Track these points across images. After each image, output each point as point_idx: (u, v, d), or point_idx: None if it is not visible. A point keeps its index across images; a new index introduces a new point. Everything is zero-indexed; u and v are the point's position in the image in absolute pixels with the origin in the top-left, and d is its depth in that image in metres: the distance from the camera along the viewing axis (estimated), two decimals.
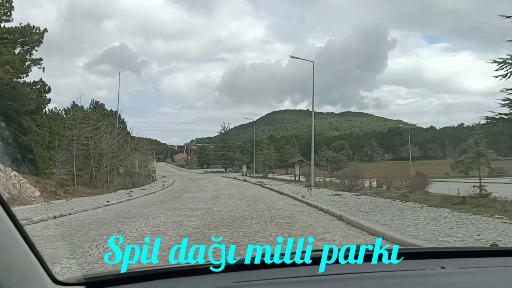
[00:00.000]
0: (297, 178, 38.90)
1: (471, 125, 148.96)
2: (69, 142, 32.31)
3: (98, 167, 37.53)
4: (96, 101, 53.59)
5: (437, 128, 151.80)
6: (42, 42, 25.08)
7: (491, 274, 1.41)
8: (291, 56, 31.19)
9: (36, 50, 25.06)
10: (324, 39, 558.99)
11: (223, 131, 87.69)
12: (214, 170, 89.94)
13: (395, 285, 1.27)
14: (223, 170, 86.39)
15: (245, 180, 43.27)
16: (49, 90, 33.99)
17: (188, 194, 25.66)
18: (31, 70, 29.35)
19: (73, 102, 51.46)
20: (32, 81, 31.84)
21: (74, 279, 1.35)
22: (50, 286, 1.21)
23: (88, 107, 52.26)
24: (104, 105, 54.49)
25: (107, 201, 20.29)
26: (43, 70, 26.83)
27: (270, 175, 51.87)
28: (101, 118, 42.52)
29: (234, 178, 52.79)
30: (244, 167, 66.06)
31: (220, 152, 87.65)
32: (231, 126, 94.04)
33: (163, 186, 38.17)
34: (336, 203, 15.04)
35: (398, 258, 1.50)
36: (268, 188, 28.20)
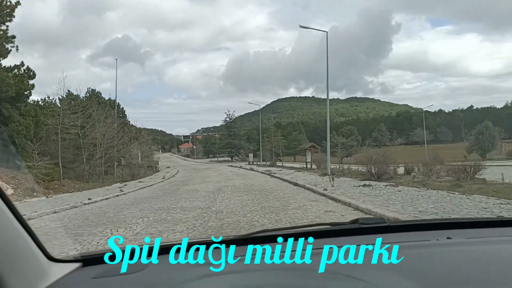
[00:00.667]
0: (308, 166, 35.27)
1: (479, 107, 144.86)
2: (57, 132, 28.81)
3: (92, 159, 34.05)
4: (92, 89, 49.93)
5: (446, 111, 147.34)
6: (14, 16, 21.32)
7: (498, 243, 1.37)
8: (301, 26, 28.59)
9: (7, 26, 21.31)
10: (328, 25, 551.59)
11: (228, 119, 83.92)
12: (220, 159, 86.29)
13: (400, 255, 1.23)
14: (229, 159, 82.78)
15: (252, 169, 39.66)
16: (34, 75, 30.46)
17: (188, 187, 22.18)
18: (10, 51, 25.72)
19: (68, 91, 47.91)
20: (12, 65, 28.23)
21: (71, 256, 1.37)
22: (45, 263, 1.23)
23: (84, 96, 48.68)
24: (101, 94, 50.90)
25: (89, 199, 16.86)
26: (17, 49, 23.07)
27: (278, 163, 48.28)
28: (96, 106, 39.02)
29: (240, 167, 49.24)
30: (251, 155, 62.49)
31: (226, 141, 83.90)
32: (236, 115, 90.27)
33: (163, 178, 34.80)
34: (374, 198, 11.44)
35: (400, 230, 1.50)
36: (278, 177, 24.56)
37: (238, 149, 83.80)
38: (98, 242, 7.72)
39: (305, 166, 37.86)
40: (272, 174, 28.63)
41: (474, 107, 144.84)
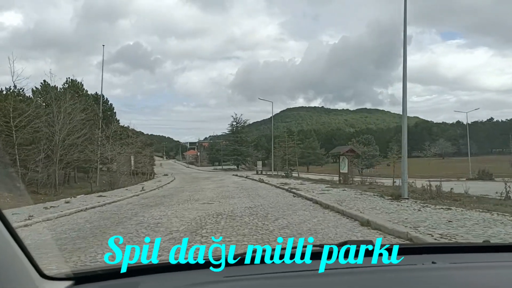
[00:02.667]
0: (335, 177, 25.50)
1: (500, 120, 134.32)
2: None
3: (49, 161, 24.53)
4: (72, 79, 40.56)
5: (464, 123, 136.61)
6: None
7: (482, 269, 1.36)
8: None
9: None
10: (338, 36, 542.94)
11: (234, 123, 74.21)
12: (225, 167, 76.53)
13: (386, 280, 1.24)
14: (235, 167, 73.02)
15: (261, 181, 29.88)
16: None
17: (152, 212, 12.78)
18: None
19: (44, 81, 38.57)
20: None
21: (63, 274, 1.33)
22: (37, 280, 1.19)
23: (61, 87, 39.24)
24: (82, 85, 41.50)
25: None
26: None
27: (294, 173, 38.48)
28: (68, 97, 29.63)
29: (246, 177, 39.52)
30: (259, 163, 52.78)
31: (232, 147, 74.05)
32: (244, 120, 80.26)
33: (142, 189, 25.29)
34: None
35: (387, 253, 1.48)
36: (307, 198, 14.74)
37: (245, 156, 73.95)
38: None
39: (338, 178, 28.29)
40: (292, 189, 18.85)
41: (494, 119, 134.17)
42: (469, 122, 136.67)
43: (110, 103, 48.82)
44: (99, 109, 40.34)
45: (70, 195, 22.18)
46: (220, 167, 79.95)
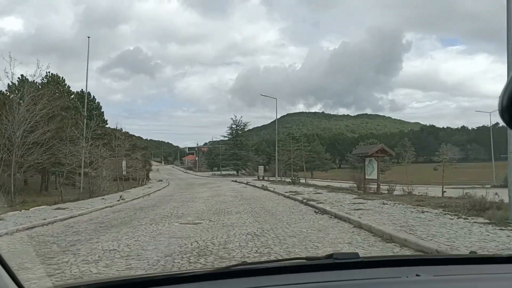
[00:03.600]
0: (354, 184, 20.82)
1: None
2: None
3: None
4: (52, 73, 35.83)
5: (469, 128, 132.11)
6: None
7: (466, 282, 1.36)
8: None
9: None
10: (338, 42, 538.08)
11: (234, 126, 69.26)
12: (224, 172, 71.55)
13: None
14: (235, 172, 68.13)
15: (265, 188, 25.04)
16: None
17: (106, 241, 7.77)
18: None
19: (22, 75, 33.69)
20: None
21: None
22: None
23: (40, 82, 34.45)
24: (64, 80, 36.76)
25: None
26: None
27: (301, 179, 33.70)
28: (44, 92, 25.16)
29: (247, 183, 34.72)
30: (261, 168, 47.92)
31: (231, 151, 69.02)
32: (243, 124, 74.46)
33: (121, 199, 20.47)
34: None
35: (373, 266, 1.50)
36: (346, 219, 9.96)
37: (245, 161, 68.94)
38: None
39: (347, 184, 23.56)
40: (309, 201, 14.04)
41: (500, 124, 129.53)
42: (474, 127, 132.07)
43: (98, 102, 44.18)
44: (84, 107, 35.57)
45: (28, 205, 17.51)
46: (219, 172, 75.00)
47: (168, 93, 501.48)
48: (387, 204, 11.89)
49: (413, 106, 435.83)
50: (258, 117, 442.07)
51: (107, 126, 43.28)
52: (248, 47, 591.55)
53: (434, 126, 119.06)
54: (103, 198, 21.83)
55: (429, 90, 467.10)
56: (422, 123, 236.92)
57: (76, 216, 13.25)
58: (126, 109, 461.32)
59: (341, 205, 12.03)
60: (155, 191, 30.28)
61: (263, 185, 26.55)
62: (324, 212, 11.15)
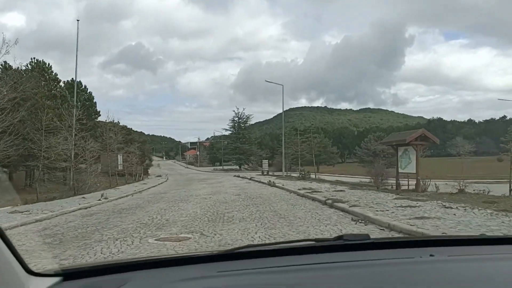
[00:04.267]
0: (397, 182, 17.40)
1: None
2: None
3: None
4: (37, 59, 32.35)
5: (476, 121, 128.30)
6: None
7: (479, 261, 1.35)
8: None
9: None
10: (340, 36, 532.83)
11: (236, 118, 65.57)
12: (226, 167, 68.10)
13: (383, 273, 1.22)
14: (237, 167, 64.68)
15: (272, 184, 21.68)
16: None
17: (48, 259, 3.88)
18: None
19: (5, 62, 30.25)
20: None
21: (52, 271, 1.28)
22: (24, 277, 1.15)
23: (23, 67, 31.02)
24: (51, 67, 33.29)
25: None
26: None
27: (310, 174, 30.24)
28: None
29: (251, 178, 31.35)
30: (265, 162, 44.44)
31: (233, 145, 65.41)
32: (246, 118, 70.10)
33: (102, 197, 17.09)
34: None
35: (388, 247, 1.49)
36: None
37: (248, 155, 65.35)
38: None
39: (361, 179, 20.19)
40: (336, 203, 10.59)
41: (508, 117, 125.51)
42: (482, 120, 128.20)
43: (90, 92, 40.72)
44: (74, 97, 32.18)
45: None
46: (221, 167, 71.58)
47: (170, 89, 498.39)
48: (451, 208, 8.41)
49: (415, 100, 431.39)
50: (260, 112, 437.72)
51: (100, 118, 39.80)
52: (250, 42, 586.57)
53: (442, 119, 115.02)
54: (83, 197, 18.48)
55: (432, 84, 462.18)
56: (425, 117, 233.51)
57: (25, 224, 9.87)
58: (128, 104, 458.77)
59: (386, 209, 8.61)
60: (148, 188, 26.99)
61: (269, 181, 23.09)
62: (368, 220, 7.72)
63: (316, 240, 1.55)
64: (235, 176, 39.77)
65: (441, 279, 1.18)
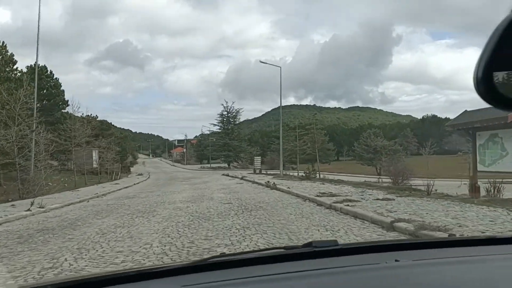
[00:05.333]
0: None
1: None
2: None
3: None
4: None
5: None
6: None
7: (445, 265, 1.32)
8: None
9: None
10: (329, 35, 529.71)
11: (225, 112, 59.96)
12: (214, 165, 62.66)
13: (350, 281, 1.21)
14: (226, 165, 59.34)
15: (272, 186, 16.59)
16: None
17: None
18: None
19: None
20: None
21: None
22: None
23: None
24: (6, 46, 27.66)
25: None
26: None
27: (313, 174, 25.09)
28: None
29: (242, 178, 26.20)
30: (258, 160, 39.31)
31: (222, 141, 59.91)
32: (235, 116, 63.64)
33: (31, 207, 11.44)
34: None
35: (353, 252, 1.47)
36: None
37: (238, 152, 59.97)
38: None
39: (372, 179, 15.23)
40: (423, 232, 5.23)
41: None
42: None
43: (56, 78, 34.97)
44: (35, 82, 26.49)
45: None
46: (209, 165, 66.10)
47: (158, 86, 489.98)
48: None
49: (403, 99, 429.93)
50: (249, 110, 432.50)
51: (69, 109, 34.18)
52: (240, 40, 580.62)
53: (437, 116, 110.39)
54: (13, 205, 13.13)
55: (419, 83, 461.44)
56: (414, 115, 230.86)
57: None
58: (116, 102, 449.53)
59: None
60: (118, 190, 21.78)
61: (268, 182, 17.83)
62: None
63: (285, 247, 1.49)
64: (224, 175, 34.54)
65: (406, 284, 1.19)
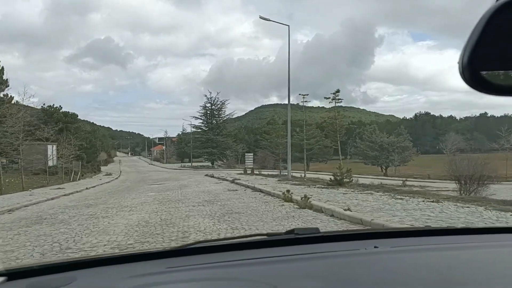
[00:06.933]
0: None
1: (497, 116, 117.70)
2: None
3: None
4: None
5: (457, 118, 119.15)
6: None
7: (422, 251, 1.36)
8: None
9: None
10: (311, 35, 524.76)
11: (208, 105, 52.04)
12: (196, 164, 54.78)
13: (331, 265, 1.22)
14: (209, 164, 51.61)
15: (299, 202, 8.82)
16: None
17: None
18: None
19: None
20: None
21: None
22: None
23: None
24: None
25: None
26: None
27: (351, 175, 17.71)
28: None
29: (234, 181, 18.75)
30: (249, 157, 31.83)
31: (205, 137, 52.05)
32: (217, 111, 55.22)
33: None
34: None
35: (333, 240, 1.49)
36: None
37: (223, 149, 52.07)
38: None
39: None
40: None
41: (489, 114, 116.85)
42: (462, 117, 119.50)
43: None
44: None
45: None
46: (190, 163, 58.16)
47: (140, 85, 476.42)
48: None
49: (384, 100, 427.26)
50: (232, 109, 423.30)
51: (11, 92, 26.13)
52: (223, 39, 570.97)
53: (430, 113, 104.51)
54: None
55: (400, 84, 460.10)
56: (396, 115, 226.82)
57: None
58: (98, 100, 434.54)
59: None
60: (53, 198, 14.23)
61: (286, 193, 10.11)
62: None
63: (268, 234, 1.49)
64: (207, 175, 26.98)
65: (384, 269, 1.20)
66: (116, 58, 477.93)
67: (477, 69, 0.65)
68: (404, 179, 24.90)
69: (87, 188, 20.24)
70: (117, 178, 32.81)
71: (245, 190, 14.09)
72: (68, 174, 31.84)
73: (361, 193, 10.47)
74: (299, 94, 34.85)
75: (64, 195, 16.16)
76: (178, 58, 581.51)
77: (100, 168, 49.23)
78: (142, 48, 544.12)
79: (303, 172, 26.63)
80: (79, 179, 31.19)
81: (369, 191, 10.93)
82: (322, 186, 12.87)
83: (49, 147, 34.72)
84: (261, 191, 12.74)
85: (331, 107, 40.35)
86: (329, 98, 31.26)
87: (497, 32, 0.63)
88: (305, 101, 35.21)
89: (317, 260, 1.26)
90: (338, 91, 31.14)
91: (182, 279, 1.13)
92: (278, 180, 16.98)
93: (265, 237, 1.47)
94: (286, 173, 22.03)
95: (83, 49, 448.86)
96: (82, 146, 45.10)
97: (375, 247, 1.35)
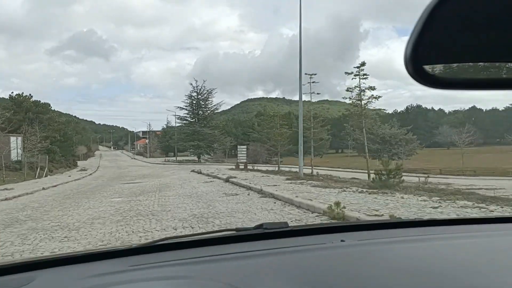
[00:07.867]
0: None
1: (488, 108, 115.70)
2: None
3: None
4: None
5: (446, 111, 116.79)
6: None
7: (389, 244, 1.36)
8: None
9: None
10: (297, 29, 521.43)
11: (194, 94, 47.66)
12: (181, 158, 50.50)
13: (299, 259, 1.21)
14: (195, 158, 47.39)
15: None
16: None
17: None
18: None
19: None
20: None
21: None
22: None
23: None
24: None
25: None
26: None
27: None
28: None
29: (228, 180, 14.65)
30: (242, 150, 27.77)
31: (191, 128, 47.88)
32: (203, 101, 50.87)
33: None
34: None
35: (301, 234, 1.48)
36: None
37: (211, 142, 47.74)
38: None
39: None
40: None
41: (478, 107, 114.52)
42: (451, 111, 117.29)
43: None
44: None
45: None
46: (174, 158, 53.78)
47: (124, 78, 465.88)
48: None
49: (369, 95, 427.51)
50: (217, 103, 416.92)
51: None
52: (208, 32, 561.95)
53: (421, 106, 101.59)
54: None
55: (385, 78, 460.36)
56: (382, 109, 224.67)
57: None
58: (81, 93, 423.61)
59: None
60: None
61: (336, 208, 6.12)
62: None
63: (236, 229, 1.45)
64: (193, 171, 22.88)
65: (350, 263, 1.20)
66: (99, 51, 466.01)
67: (420, 62, 0.65)
68: (424, 175, 21.22)
69: (43, 189, 16.00)
70: (90, 174, 28.50)
71: (248, 194, 10.06)
72: (34, 169, 27.53)
73: (437, 201, 6.51)
74: (305, 74, 30.23)
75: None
76: (163, 51, 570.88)
77: (76, 163, 44.68)
78: (126, 41, 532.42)
79: (308, 168, 22.65)
80: (45, 176, 26.83)
81: (444, 197, 6.97)
82: (363, 190, 8.86)
83: (12, 139, 30.28)
84: (275, 197, 8.70)
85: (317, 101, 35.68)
86: (351, 73, 26.91)
87: (439, 25, 0.61)
88: (313, 82, 30.89)
89: (285, 255, 1.24)
90: (363, 63, 26.87)
91: (143, 277, 1.08)
92: (288, 179, 12.98)
93: (234, 232, 1.42)
94: (285, 169, 18.10)
95: (66, 41, 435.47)
96: (55, 138, 40.58)
97: (341, 240, 1.34)
